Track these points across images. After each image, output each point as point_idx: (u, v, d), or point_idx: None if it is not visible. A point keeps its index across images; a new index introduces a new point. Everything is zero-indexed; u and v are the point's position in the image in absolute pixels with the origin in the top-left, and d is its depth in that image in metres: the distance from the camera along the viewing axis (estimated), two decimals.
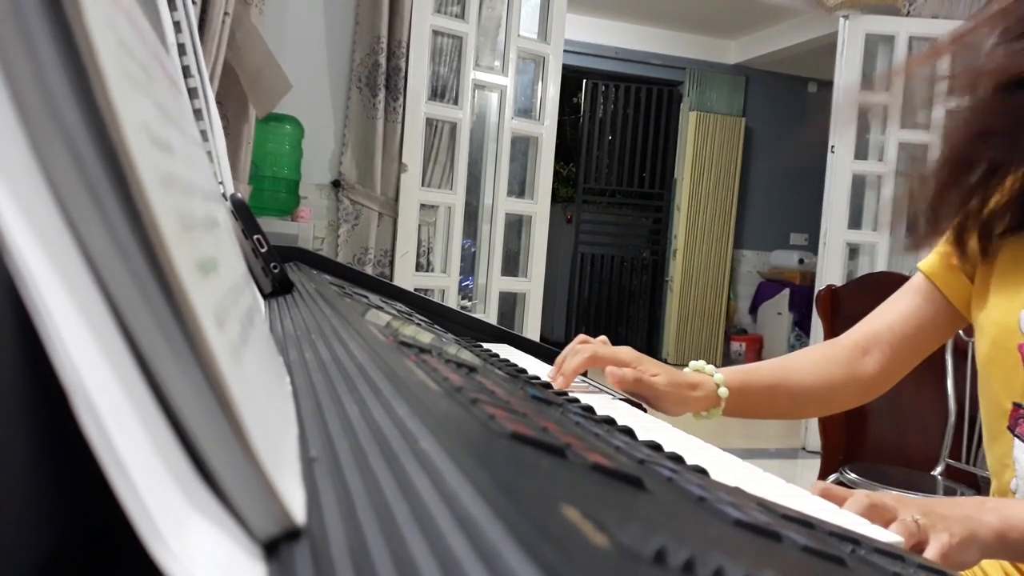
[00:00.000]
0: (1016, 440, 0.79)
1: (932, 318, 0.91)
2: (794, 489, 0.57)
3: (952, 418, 2.24)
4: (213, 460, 0.16)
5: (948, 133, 0.79)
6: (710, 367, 0.90)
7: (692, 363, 0.91)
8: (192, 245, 0.20)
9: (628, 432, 0.54)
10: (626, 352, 0.87)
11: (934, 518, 0.58)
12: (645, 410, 0.87)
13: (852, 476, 2.19)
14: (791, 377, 0.93)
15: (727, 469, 0.58)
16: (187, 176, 0.24)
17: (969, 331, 0.88)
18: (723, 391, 0.88)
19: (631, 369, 0.84)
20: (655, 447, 0.50)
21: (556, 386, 0.84)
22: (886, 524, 0.56)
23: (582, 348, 0.88)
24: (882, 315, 0.94)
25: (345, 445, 0.24)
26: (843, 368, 0.93)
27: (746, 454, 0.69)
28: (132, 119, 0.15)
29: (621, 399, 0.89)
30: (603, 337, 0.94)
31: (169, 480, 0.15)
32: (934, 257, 0.91)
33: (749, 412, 0.92)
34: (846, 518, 0.52)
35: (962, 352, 2.19)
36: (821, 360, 0.94)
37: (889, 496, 0.60)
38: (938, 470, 2.26)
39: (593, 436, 0.43)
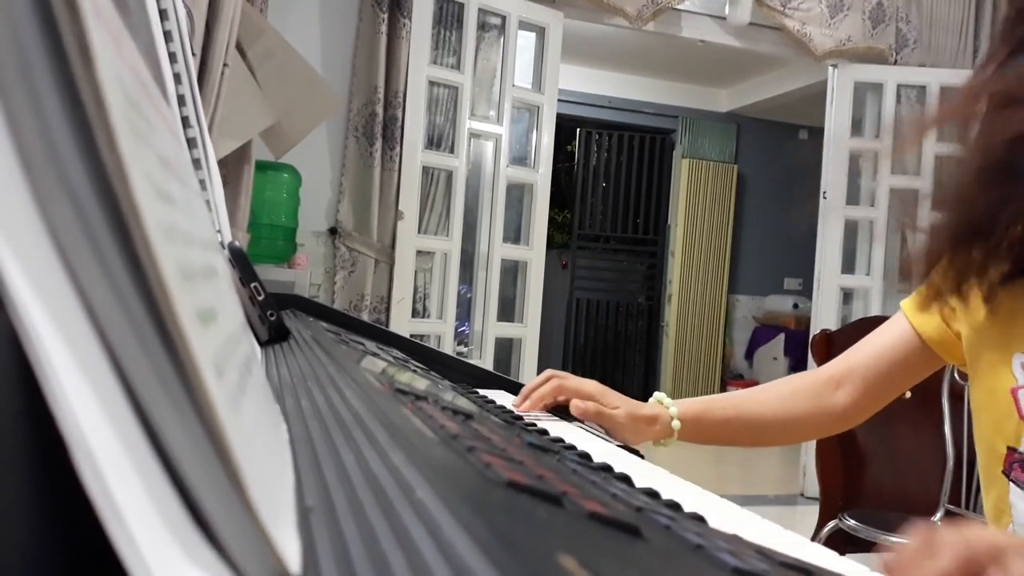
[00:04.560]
0: (1012, 485, 0.79)
1: (906, 357, 0.93)
2: (793, 536, 0.57)
3: (950, 463, 2.23)
4: (209, 510, 0.16)
5: (962, 194, 0.76)
6: (668, 399, 0.97)
7: (655, 394, 0.98)
8: (193, 295, 0.20)
9: (625, 479, 0.54)
10: (590, 385, 0.96)
11: None
12: (643, 456, 0.86)
13: (851, 523, 2.17)
14: (751, 409, 0.98)
15: (725, 516, 0.58)
16: (187, 226, 0.25)
17: (965, 375, 0.88)
18: (676, 424, 0.94)
19: (594, 403, 0.92)
20: (652, 494, 0.50)
21: (520, 410, 0.93)
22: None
23: (550, 377, 0.97)
24: (859, 350, 0.97)
25: (341, 494, 0.24)
26: (810, 401, 0.97)
27: (744, 501, 0.69)
28: (138, 172, 0.16)
29: (619, 446, 0.89)
30: (565, 373, 1.01)
31: (165, 530, 0.15)
32: (914, 297, 0.92)
33: (706, 441, 0.98)
34: (847, 565, 0.52)
35: (959, 396, 2.18)
36: (788, 393, 0.98)
37: (1001, 537, 0.54)
38: (938, 516, 2.24)
39: (590, 484, 0.43)
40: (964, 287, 0.82)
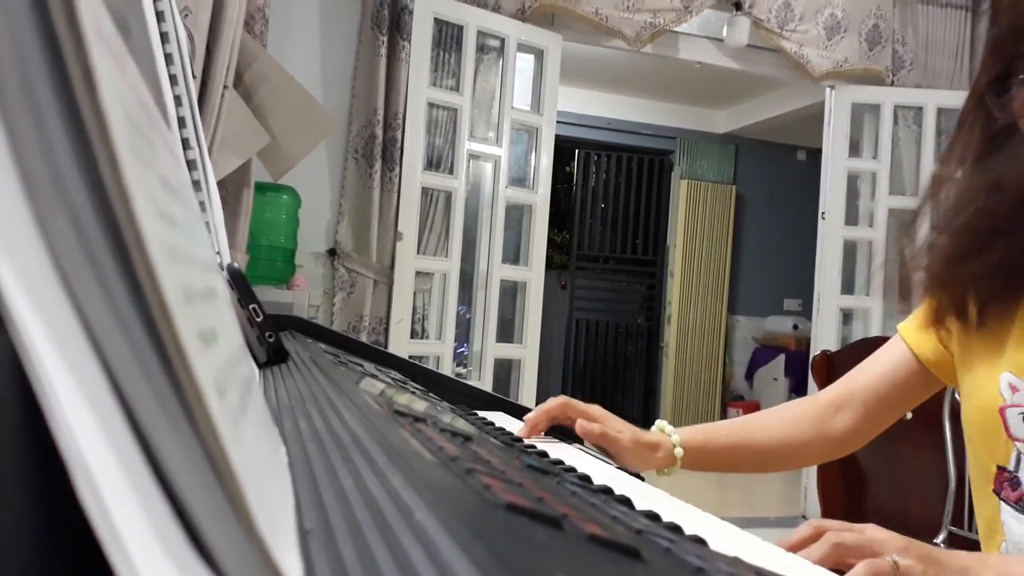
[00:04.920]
0: (1003, 504, 0.78)
1: (905, 379, 0.93)
2: (793, 558, 0.57)
3: (952, 483, 2.22)
4: (209, 532, 0.16)
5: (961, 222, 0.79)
6: (670, 427, 0.96)
7: (657, 423, 0.98)
8: (194, 316, 0.20)
9: (626, 502, 0.54)
10: (595, 409, 0.95)
11: (929, 564, 0.58)
12: (643, 479, 0.86)
13: None
14: (755, 436, 0.97)
15: (726, 539, 0.58)
16: (188, 248, 0.25)
17: None
18: (679, 451, 0.94)
19: (599, 425, 0.92)
20: (653, 517, 0.50)
21: (526, 427, 0.93)
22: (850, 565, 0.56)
23: (556, 397, 0.97)
24: (859, 374, 0.97)
25: (340, 517, 0.24)
26: (812, 427, 0.97)
27: (745, 523, 0.69)
28: (140, 194, 0.16)
29: (619, 468, 0.88)
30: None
31: (164, 553, 0.15)
32: (911, 320, 0.93)
33: (710, 468, 0.97)
34: None
35: (959, 416, 2.17)
36: (790, 419, 0.98)
37: (887, 535, 0.60)
38: (940, 537, 2.22)
39: (590, 506, 0.43)
40: (962, 303, 0.83)
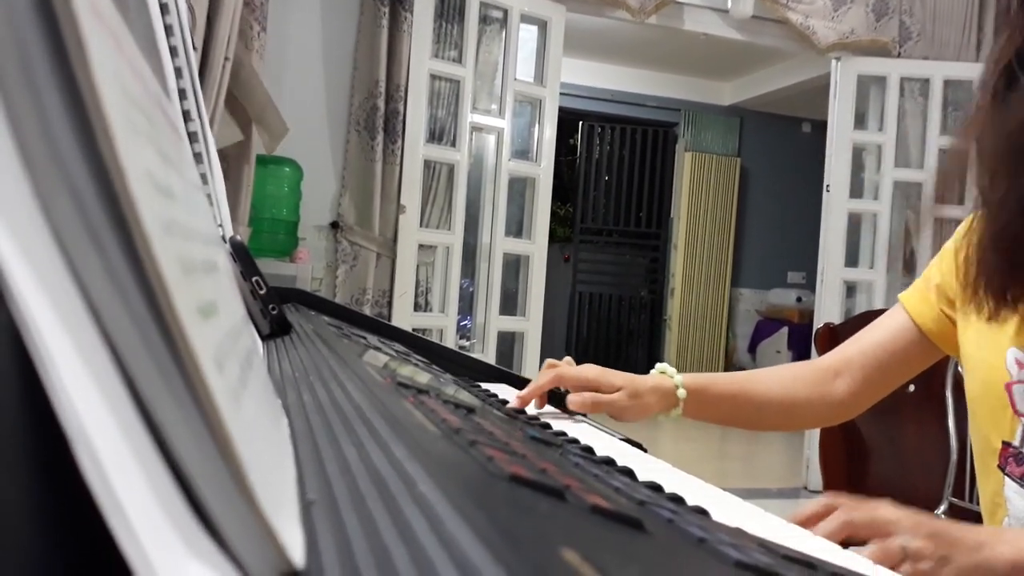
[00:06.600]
0: (1007, 479, 0.79)
1: (905, 348, 0.93)
2: (795, 529, 0.57)
3: (954, 455, 2.22)
4: (212, 504, 0.16)
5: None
6: (672, 369, 0.96)
7: (658, 365, 0.97)
8: (193, 289, 0.20)
9: (628, 473, 0.54)
10: (590, 370, 0.94)
11: (941, 542, 0.58)
12: (646, 450, 0.87)
13: None
14: (755, 388, 0.97)
15: (728, 510, 0.58)
16: (188, 221, 0.25)
17: None
18: (681, 392, 0.94)
19: (590, 393, 0.92)
20: (655, 488, 0.50)
21: (517, 403, 0.92)
22: (865, 542, 0.57)
23: (548, 371, 0.96)
24: (858, 341, 0.97)
25: (343, 488, 0.24)
26: (810, 387, 0.96)
27: (747, 494, 0.70)
28: (136, 168, 0.16)
29: (621, 439, 0.89)
30: (568, 358, 0.99)
31: (167, 525, 0.15)
32: (913, 290, 0.92)
33: (710, 416, 0.97)
34: (849, 558, 0.52)
35: (962, 388, 2.17)
36: (788, 377, 0.98)
37: (899, 514, 0.60)
38: (941, 509, 2.24)
39: (592, 477, 0.43)
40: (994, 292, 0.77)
